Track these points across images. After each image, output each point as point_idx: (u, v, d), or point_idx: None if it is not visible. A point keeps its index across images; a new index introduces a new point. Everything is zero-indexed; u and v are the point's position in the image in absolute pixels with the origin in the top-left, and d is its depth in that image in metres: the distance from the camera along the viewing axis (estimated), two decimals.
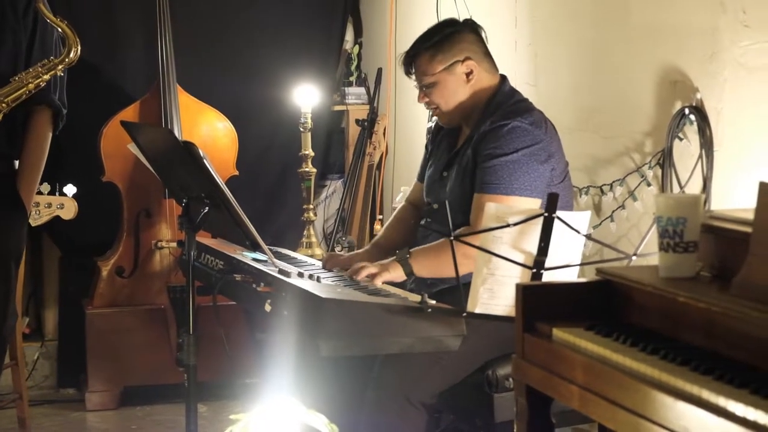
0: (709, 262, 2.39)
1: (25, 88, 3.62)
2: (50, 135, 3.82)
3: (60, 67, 3.67)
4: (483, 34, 3.58)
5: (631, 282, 2.41)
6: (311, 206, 5.03)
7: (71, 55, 3.68)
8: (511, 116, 3.37)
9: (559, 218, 2.77)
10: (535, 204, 3.28)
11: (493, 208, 2.86)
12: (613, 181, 3.74)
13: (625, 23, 3.77)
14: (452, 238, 2.82)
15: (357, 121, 5.88)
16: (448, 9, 4.93)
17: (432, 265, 3.35)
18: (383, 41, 5.83)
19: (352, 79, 6.13)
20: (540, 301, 2.50)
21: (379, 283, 3.29)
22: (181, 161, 3.22)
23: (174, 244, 5.21)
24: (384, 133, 5.78)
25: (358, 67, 6.16)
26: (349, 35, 6.18)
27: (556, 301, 2.51)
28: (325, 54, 6.01)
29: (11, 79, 3.64)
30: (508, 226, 2.81)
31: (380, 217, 5.72)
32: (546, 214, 2.78)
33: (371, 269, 3.34)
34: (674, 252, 2.36)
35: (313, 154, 4.95)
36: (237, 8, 5.78)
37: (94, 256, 5.36)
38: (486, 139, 3.36)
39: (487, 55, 3.54)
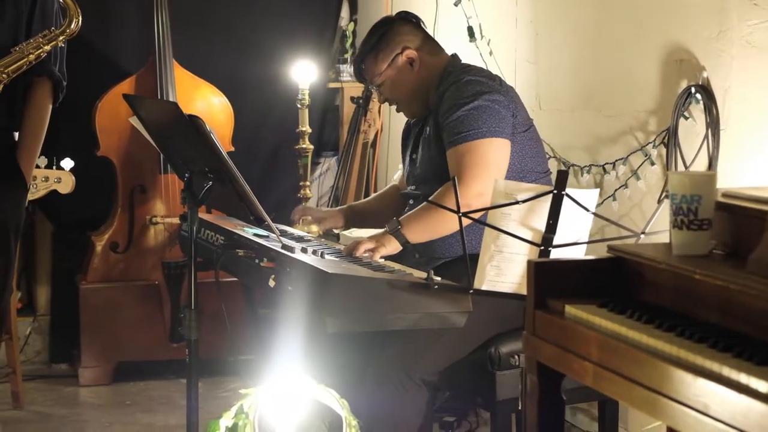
0: (722, 239, 2.39)
1: (25, 59, 3.59)
2: (50, 107, 3.79)
3: (61, 38, 3.64)
4: (419, 22, 3.69)
5: (644, 259, 2.40)
6: (308, 183, 5.01)
7: (72, 26, 3.65)
8: (463, 74, 3.47)
9: (568, 195, 2.77)
10: (506, 145, 3.34)
11: (502, 185, 2.85)
12: (616, 160, 3.74)
13: (628, 2, 3.76)
14: (459, 214, 2.81)
15: (352, 99, 5.85)
16: None
17: (424, 229, 3.36)
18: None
19: (347, 56, 6.10)
20: (551, 277, 2.49)
21: (377, 257, 3.29)
22: (185, 135, 3.20)
23: (169, 220, 5.19)
24: (379, 111, 5.76)
25: (353, 44, 6.13)
26: (345, 12, 6.15)
27: (567, 277, 2.50)
28: (320, 31, 5.99)
29: (12, 50, 3.61)
30: (517, 203, 2.81)
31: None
32: (555, 192, 2.77)
33: (368, 244, 3.33)
34: (688, 229, 2.35)
35: (310, 130, 4.92)
36: None
37: (87, 231, 5.33)
38: (443, 100, 3.44)
39: (428, 39, 3.67)
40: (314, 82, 5.10)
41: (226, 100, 5.32)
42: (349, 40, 6.12)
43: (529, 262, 2.51)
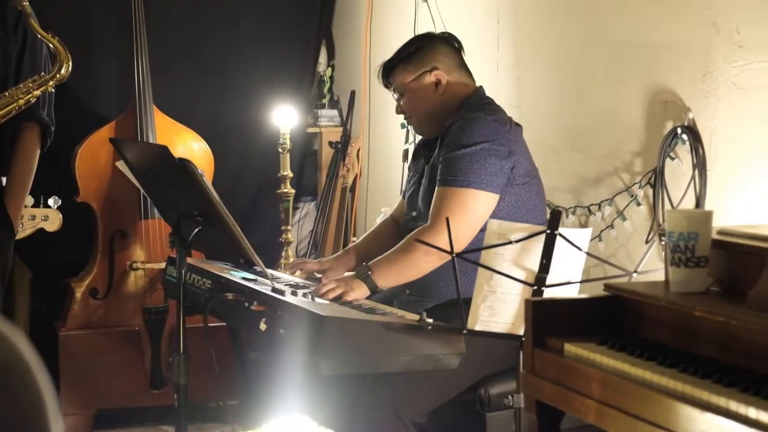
0: (718, 277, 2.41)
1: (15, 104, 3.59)
2: (38, 152, 3.79)
3: (51, 83, 3.65)
4: (459, 47, 3.67)
5: (643, 297, 2.42)
6: (289, 227, 5.01)
7: (62, 71, 3.66)
8: (476, 111, 3.46)
9: (561, 235, 2.78)
10: (492, 199, 3.34)
11: (495, 225, 2.86)
12: (601, 201, 3.76)
13: (612, 45, 3.80)
14: (454, 255, 2.82)
15: (330, 144, 5.87)
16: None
17: (394, 273, 3.36)
18: (356, 64, 5.84)
19: (325, 101, 6.12)
20: (549, 316, 2.51)
21: (348, 300, 3.27)
22: (174, 178, 3.20)
23: (149, 265, 5.16)
24: (357, 156, 5.78)
25: (330, 89, 6.16)
26: (323, 57, 6.18)
27: (564, 316, 2.52)
28: (299, 75, 6.01)
29: (1, 95, 3.61)
30: (510, 243, 2.82)
31: (354, 239, 5.70)
32: (548, 231, 2.79)
33: (337, 290, 3.30)
34: (686, 267, 2.37)
35: (291, 175, 4.93)
36: (212, 30, 5.76)
37: (66, 276, 5.29)
38: (450, 133, 3.44)
39: (462, 66, 3.64)
40: (293, 127, 5.12)
41: (206, 145, 5.32)
42: (327, 85, 6.15)
43: (527, 302, 2.52)
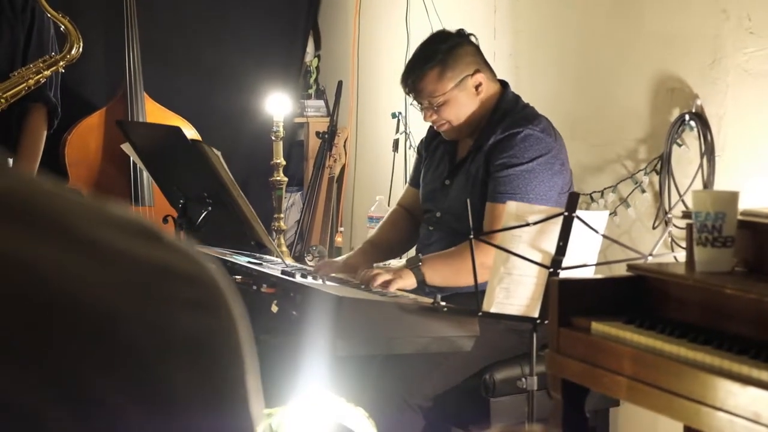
0: (743, 257, 2.43)
1: (24, 84, 3.57)
2: (45, 133, 3.77)
3: (61, 63, 3.63)
4: (477, 42, 3.58)
5: (670, 277, 2.44)
6: (281, 215, 4.99)
7: (73, 51, 3.64)
8: (523, 123, 3.37)
9: (578, 218, 2.79)
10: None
11: (514, 206, 2.87)
12: (605, 189, 3.77)
13: (614, 33, 3.82)
14: (472, 237, 2.83)
15: (317, 134, 5.86)
16: (419, 22, 4.94)
17: (445, 272, 3.31)
18: (343, 54, 5.83)
19: (311, 91, 6.12)
20: (574, 296, 2.52)
21: (392, 289, 3.24)
22: (185, 160, 3.19)
23: None
24: (345, 146, 5.77)
25: (316, 80, 6.15)
26: (309, 48, 6.17)
27: (588, 296, 2.53)
28: (287, 65, 6.00)
29: (10, 75, 3.58)
30: (528, 225, 2.83)
31: (341, 229, 5.70)
32: (566, 214, 2.80)
33: (386, 276, 3.26)
34: (713, 247, 2.39)
35: (284, 163, 4.92)
36: (201, 18, 5.74)
37: None
38: (499, 149, 3.36)
39: (487, 63, 3.56)
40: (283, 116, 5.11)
41: (197, 132, 5.29)
42: (313, 76, 6.14)
43: (553, 281, 2.54)
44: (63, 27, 3.61)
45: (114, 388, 0.56)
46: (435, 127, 3.57)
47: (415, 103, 3.57)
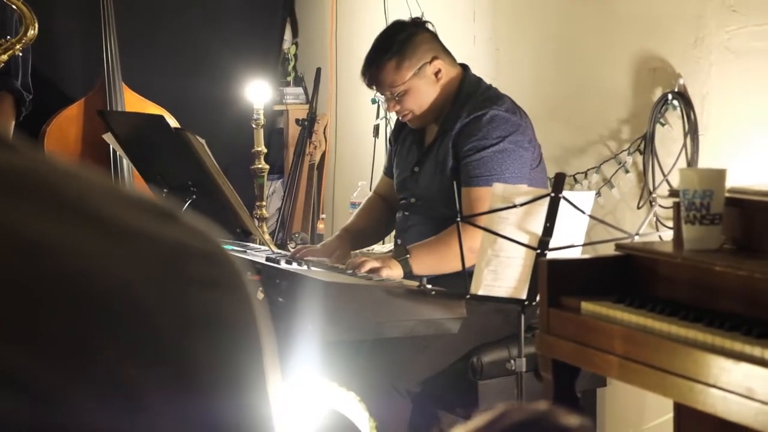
0: (731, 234, 2.43)
1: None
2: (13, 122, 3.71)
3: (18, 46, 3.56)
4: (435, 31, 3.59)
5: (658, 255, 2.44)
6: (264, 203, 4.98)
7: (29, 33, 3.57)
8: (487, 105, 3.38)
9: (565, 198, 2.79)
10: None
11: (501, 188, 2.87)
12: (588, 170, 3.77)
13: (595, 13, 3.82)
14: (459, 220, 2.82)
15: (297, 121, 5.85)
16: (397, 7, 4.92)
17: (431, 261, 3.30)
18: (321, 41, 5.81)
19: (290, 79, 6.09)
20: (562, 276, 2.52)
21: (383, 276, 3.24)
22: (168, 149, 3.17)
23: None
24: (324, 133, 5.76)
25: (294, 67, 6.13)
26: (287, 35, 6.15)
27: (577, 276, 2.53)
28: (265, 53, 5.98)
29: None
30: (515, 206, 2.82)
31: (323, 216, 5.69)
32: (553, 194, 2.80)
33: (374, 263, 3.25)
34: (701, 224, 2.39)
35: (265, 150, 4.90)
36: (178, 6, 5.71)
37: None
38: (466, 133, 3.36)
39: (445, 49, 3.56)
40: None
41: (176, 122, 5.27)
42: (291, 63, 6.12)
43: (541, 262, 2.53)
44: (17, 9, 3.54)
45: (134, 365, 0.55)
46: (399, 118, 3.59)
47: (378, 95, 3.59)
